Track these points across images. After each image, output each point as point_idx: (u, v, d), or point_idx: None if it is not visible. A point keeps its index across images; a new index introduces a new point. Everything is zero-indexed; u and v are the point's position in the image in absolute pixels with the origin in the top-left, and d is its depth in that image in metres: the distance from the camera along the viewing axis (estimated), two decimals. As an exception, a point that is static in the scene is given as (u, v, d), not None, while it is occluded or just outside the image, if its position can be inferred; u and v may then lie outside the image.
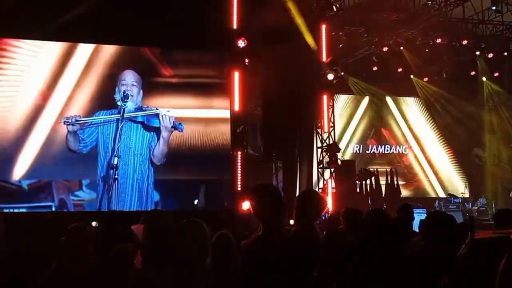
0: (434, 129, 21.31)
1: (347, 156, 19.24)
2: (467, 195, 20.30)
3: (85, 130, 12.89)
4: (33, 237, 10.21)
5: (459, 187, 20.76)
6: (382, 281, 3.92)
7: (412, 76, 20.39)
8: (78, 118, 12.76)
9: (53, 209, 12.76)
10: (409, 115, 21.19)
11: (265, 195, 4.06)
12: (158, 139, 13.21)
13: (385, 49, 17.97)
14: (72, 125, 12.68)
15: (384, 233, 4.07)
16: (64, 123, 12.66)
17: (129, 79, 13.14)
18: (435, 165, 21.19)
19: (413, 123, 21.20)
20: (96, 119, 12.95)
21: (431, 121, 21.29)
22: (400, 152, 20.89)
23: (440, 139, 21.30)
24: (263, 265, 3.81)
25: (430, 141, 21.30)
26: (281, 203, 4.08)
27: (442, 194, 20.64)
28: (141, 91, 13.25)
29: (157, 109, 13.21)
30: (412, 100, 21.25)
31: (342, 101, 20.37)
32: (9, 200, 12.58)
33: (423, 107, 21.23)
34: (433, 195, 20.77)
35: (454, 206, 18.67)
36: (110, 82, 13.19)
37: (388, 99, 21.09)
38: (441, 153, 21.30)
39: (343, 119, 20.19)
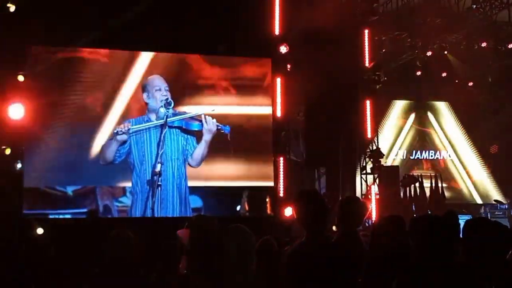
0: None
1: (390, 162, 19.06)
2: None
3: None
4: (77, 243, 10.34)
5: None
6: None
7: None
8: (130, 127, 12.87)
9: (98, 215, 12.89)
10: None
11: (310, 201, 4.04)
12: (198, 142, 13.22)
13: (429, 53, 17.78)
14: (125, 134, 12.78)
15: (436, 240, 3.98)
16: (118, 134, 12.75)
17: (161, 84, 13.15)
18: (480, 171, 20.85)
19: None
20: (145, 126, 13.01)
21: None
22: (445, 158, 20.57)
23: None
24: (307, 272, 3.78)
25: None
26: (326, 209, 4.06)
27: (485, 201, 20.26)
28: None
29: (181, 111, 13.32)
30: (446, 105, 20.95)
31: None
32: (54, 206, 12.75)
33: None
34: (478, 201, 20.40)
35: (500, 213, 18.35)
36: (137, 89, 13.25)
37: (439, 104, 20.80)
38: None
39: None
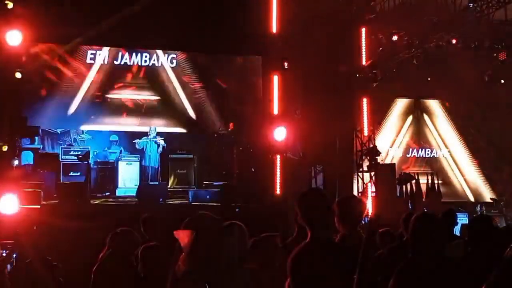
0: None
1: (387, 160, 19.04)
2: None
3: None
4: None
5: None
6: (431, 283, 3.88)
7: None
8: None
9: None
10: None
11: (314, 201, 4.03)
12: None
13: (425, 52, 17.76)
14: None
15: (433, 237, 4.01)
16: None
17: None
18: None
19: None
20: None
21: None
22: (441, 156, 20.54)
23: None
24: (314, 272, 3.76)
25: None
26: (330, 209, 4.05)
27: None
28: None
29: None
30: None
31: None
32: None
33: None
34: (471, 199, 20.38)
35: (496, 211, 18.35)
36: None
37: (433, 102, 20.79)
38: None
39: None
